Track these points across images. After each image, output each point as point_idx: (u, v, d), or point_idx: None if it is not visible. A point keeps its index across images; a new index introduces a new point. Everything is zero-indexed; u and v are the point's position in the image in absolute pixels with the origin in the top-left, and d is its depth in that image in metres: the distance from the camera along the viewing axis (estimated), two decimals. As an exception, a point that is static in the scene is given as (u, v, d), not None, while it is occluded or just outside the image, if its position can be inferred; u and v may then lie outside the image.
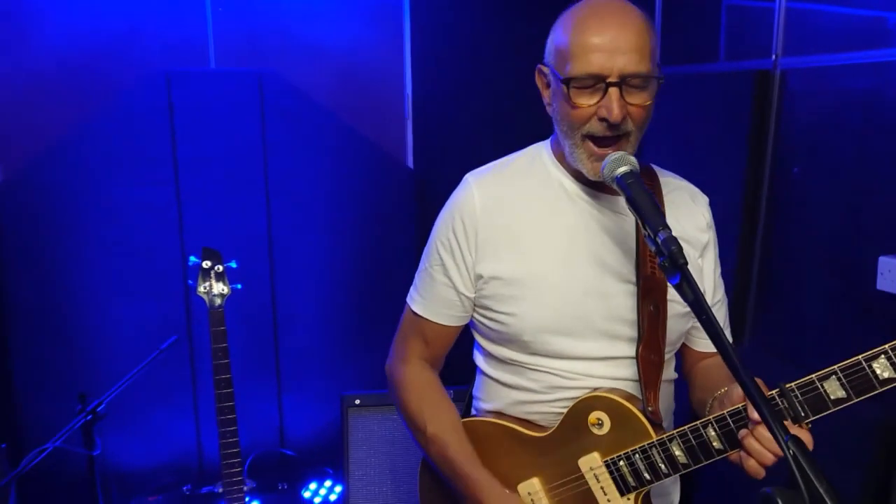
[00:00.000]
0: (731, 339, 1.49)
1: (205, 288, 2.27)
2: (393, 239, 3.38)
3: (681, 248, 1.04)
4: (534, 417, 1.39)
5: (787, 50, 2.42)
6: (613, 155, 1.19)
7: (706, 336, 1.38)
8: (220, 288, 2.29)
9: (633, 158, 1.19)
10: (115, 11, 2.97)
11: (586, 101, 1.21)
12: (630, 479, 1.27)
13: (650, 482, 1.26)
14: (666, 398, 1.39)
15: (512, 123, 3.33)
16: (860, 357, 1.09)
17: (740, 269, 2.55)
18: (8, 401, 2.99)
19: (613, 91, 1.18)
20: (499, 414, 1.44)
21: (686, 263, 1.02)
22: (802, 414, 1.12)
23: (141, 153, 3.06)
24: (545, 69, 1.29)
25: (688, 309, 1.32)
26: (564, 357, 1.33)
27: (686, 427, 1.21)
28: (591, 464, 1.29)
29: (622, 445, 1.27)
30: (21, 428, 2.99)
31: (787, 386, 1.12)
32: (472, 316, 1.43)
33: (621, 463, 1.27)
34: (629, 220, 1.34)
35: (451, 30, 3.36)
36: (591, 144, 1.24)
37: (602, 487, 1.29)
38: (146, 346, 2.57)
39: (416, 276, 1.48)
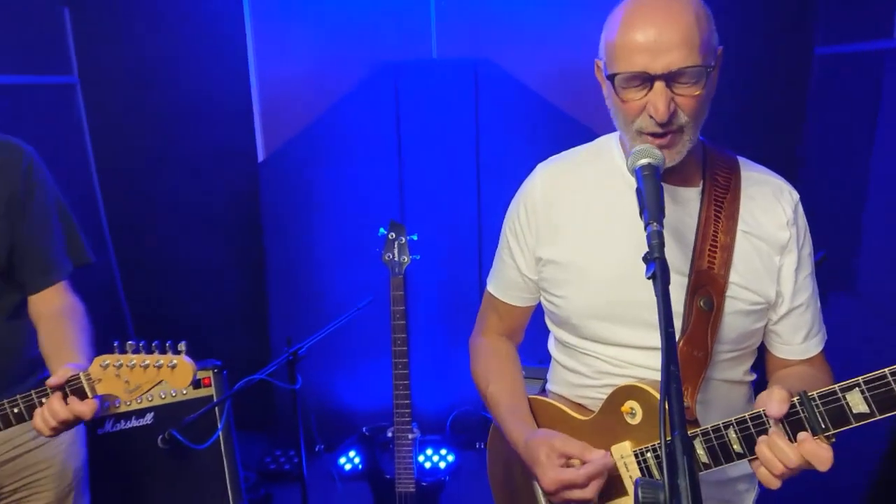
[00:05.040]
0: (824, 340, 1.38)
1: (388, 257, 2.57)
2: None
3: (661, 244, 1.03)
4: (584, 401, 1.43)
5: None
6: (640, 147, 1.18)
7: (788, 342, 1.33)
8: (401, 257, 2.57)
9: (658, 152, 1.16)
10: (353, 8, 3.40)
11: (634, 96, 1.20)
12: (656, 473, 1.26)
13: None
14: (720, 398, 1.34)
15: (725, 108, 3.17)
16: (886, 370, 1.00)
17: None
18: (265, 340, 3.66)
19: (659, 86, 1.16)
20: (559, 396, 1.50)
21: (660, 258, 1.02)
22: (823, 426, 1.05)
23: (372, 137, 3.49)
24: (600, 63, 1.30)
25: (752, 307, 1.29)
26: (611, 343, 1.35)
27: (709, 426, 1.18)
28: (623, 452, 1.30)
29: (652, 437, 1.26)
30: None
31: (809, 395, 1.06)
32: (540, 299, 1.50)
33: (648, 455, 1.27)
34: (691, 212, 1.31)
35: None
36: (646, 138, 1.23)
37: (631, 476, 1.29)
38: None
39: (494, 258, 1.58)
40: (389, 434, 2.58)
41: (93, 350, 1.60)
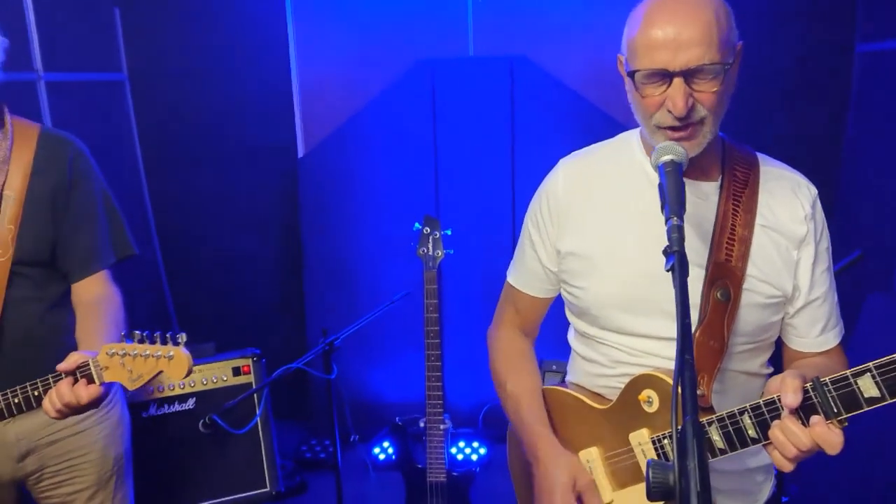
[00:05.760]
0: (841, 333, 1.39)
1: (423, 251, 2.62)
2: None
3: (680, 238, 1.05)
4: (602, 390, 1.46)
5: None
6: (664, 144, 1.21)
7: (804, 335, 1.35)
8: (435, 252, 2.62)
9: (681, 149, 1.19)
10: (392, 7, 3.47)
11: (653, 92, 1.23)
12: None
13: None
14: (736, 388, 1.36)
15: (766, 106, 3.17)
16: None
17: None
18: (301, 332, 3.75)
19: (677, 82, 1.19)
20: (578, 386, 1.53)
21: (679, 251, 1.04)
22: (835, 410, 1.09)
23: (409, 133, 3.55)
24: (622, 59, 1.32)
25: (769, 300, 1.31)
26: (629, 334, 1.38)
27: (724, 412, 1.21)
28: (640, 439, 1.33)
29: (669, 425, 1.29)
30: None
31: (822, 380, 1.10)
32: (560, 290, 1.54)
33: (665, 441, 1.30)
34: (710, 206, 1.34)
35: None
36: (665, 132, 1.26)
37: None
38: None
39: (515, 250, 1.62)
40: (421, 424, 2.63)
41: (119, 340, 1.66)
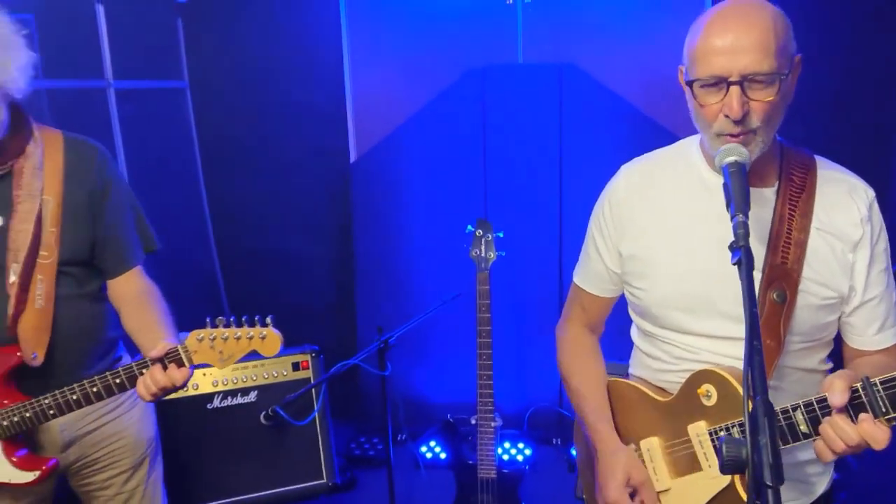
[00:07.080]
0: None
1: (476, 252, 2.69)
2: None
3: (746, 234, 1.11)
4: (664, 385, 1.53)
5: None
6: (727, 146, 1.26)
7: (861, 333, 1.40)
8: (487, 253, 2.69)
9: (744, 150, 1.24)
10: (443, 16, 3.56)
11: (711, 100, 1.28)
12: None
13: None
14: (794, 384, 1.40)
15: (817, 117, 3.18)
16: None
17: None
18: (352, 331, 3.85)
19: (734, 90, 1.24)
20: (640, 380, 1.60)
21: (745, 246, 1.10)
22: (883, 409, 1.14)
23: (458, 139, 3.63)
24: (682, 69, 1.38)
25: (825, 301, 1.36)
26: (689, 333, 1.44)
27: (778, 408, 1.26)
28: (698, 431, 1.40)
29: (726, 418, 1.35)
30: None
31: (871, 380, 1.16)
32: (623, 291, 1.60)
33: (722, 433, 1.35)
34: (767, 210, 1.38)
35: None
36: (725, 138, 1.30)
37: (705, 453, 1.39)
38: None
39: (581, 251, 1.69)
40: (473, 422, 2.69)
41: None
